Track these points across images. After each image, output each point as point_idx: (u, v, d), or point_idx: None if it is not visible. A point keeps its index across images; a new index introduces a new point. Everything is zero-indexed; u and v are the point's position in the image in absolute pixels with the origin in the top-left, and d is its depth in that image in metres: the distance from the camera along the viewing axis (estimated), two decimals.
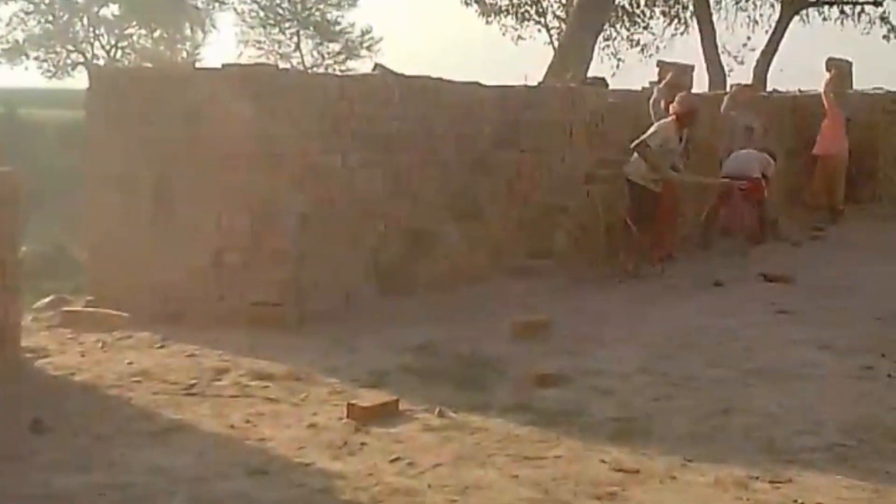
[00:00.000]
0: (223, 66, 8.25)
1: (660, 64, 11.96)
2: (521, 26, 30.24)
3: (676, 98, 10.48)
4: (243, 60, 22.67)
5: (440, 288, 9.17)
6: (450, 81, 10.24)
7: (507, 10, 30.05)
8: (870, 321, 8.08)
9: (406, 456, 4.97)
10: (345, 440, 5.21)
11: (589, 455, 5.00)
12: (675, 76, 11.76)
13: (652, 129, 10.23)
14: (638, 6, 28.25)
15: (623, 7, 27.85)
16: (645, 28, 28.69)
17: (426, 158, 9.67)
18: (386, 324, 7.85)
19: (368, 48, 41.48)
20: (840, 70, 14.15)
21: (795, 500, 4.46)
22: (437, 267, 9.30)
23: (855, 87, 18.98)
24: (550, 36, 29.20)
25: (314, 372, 6.45)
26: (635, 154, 10.15)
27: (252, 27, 41.01)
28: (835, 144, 14.08)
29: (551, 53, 21.52)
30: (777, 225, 13.18)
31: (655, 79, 11.91)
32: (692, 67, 11.91)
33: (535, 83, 13.23)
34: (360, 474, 4.73)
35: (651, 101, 11.34)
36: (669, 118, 10.30)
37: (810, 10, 27.22)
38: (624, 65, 28.40)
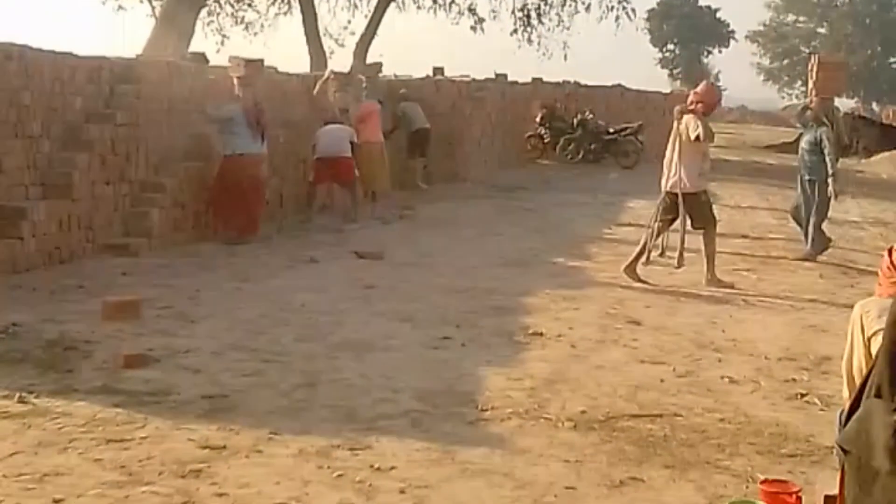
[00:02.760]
0: None
1: (231, 59, 12.05)
2: None
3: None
4: None
5: (27, 268, 8.76)
6: (38, 49, 9.73)
7: None
8: (449, 295, 8.70)
9: None
10: None
11: (176, 434, 5.03)
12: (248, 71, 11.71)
13: None
14: None
15: None
16: (249, 6, 28.60)
17: (11, 130, 9.15)
18: None
19: None
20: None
21: (372, 465, 4.76)
22: (23, 246, 8.85)
23: (445, 75, 20.21)
24: (153, 7, 28.30)
25: None
26: None
27: None
28: (373, 133, 14.39)
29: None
30: (375, 200, 13.80)
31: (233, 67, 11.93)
32: (262, 61, 12.30)
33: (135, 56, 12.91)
34: None
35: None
36: None
37: None
38: (228, 42, 28.20)
